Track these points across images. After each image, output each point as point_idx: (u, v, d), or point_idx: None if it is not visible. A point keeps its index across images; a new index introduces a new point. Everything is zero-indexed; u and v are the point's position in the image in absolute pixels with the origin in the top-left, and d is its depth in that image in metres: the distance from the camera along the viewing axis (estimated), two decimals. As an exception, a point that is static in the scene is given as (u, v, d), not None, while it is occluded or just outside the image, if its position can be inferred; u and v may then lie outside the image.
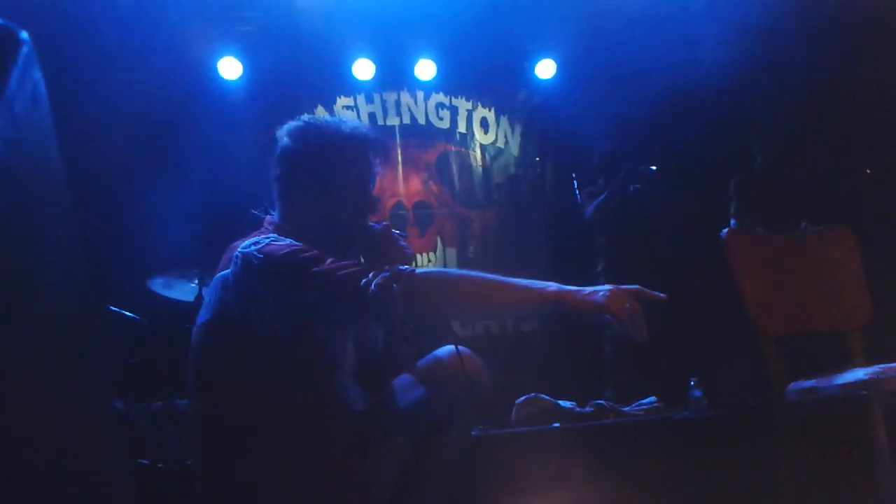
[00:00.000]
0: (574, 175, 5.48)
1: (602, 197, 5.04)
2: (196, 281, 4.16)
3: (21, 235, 0.78)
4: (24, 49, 0.80)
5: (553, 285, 1.85)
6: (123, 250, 4.52)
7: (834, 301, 2.88)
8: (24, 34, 0.82)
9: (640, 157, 5.16)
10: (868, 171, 5.20)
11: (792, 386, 2.71)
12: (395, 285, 1.72)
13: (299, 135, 2.09)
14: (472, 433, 2.11)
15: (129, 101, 5.30)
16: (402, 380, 2.09)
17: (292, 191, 2.06)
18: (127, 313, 4.01)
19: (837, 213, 3.87)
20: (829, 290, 2.91)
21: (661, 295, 1.82)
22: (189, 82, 5.63)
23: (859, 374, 2.39)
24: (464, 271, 1.91)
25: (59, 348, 0.83)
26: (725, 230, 2.93)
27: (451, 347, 2.04)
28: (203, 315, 1.90)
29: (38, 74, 0.83)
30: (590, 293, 1.81)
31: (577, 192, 5.40)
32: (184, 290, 4.27)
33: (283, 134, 2.11)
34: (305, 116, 2.17)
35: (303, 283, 1.76)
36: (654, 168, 5.04)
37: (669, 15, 5.18)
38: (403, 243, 2.12)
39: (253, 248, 1.83)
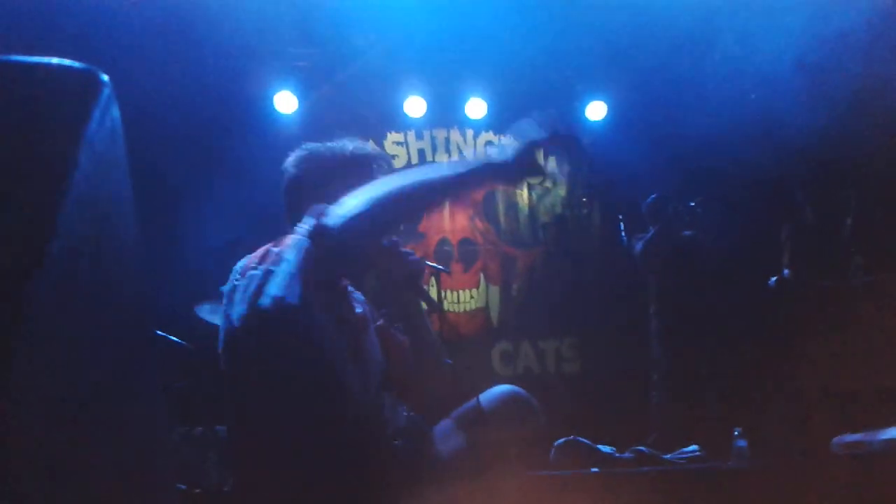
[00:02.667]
0: (621, 217, 5.47)
1: (650, 234, 5.01)
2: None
3: (95, 260, 0.83)
4: (105, 91, 0.86)
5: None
6: (174, 276, 4.63)
7: (882, 354, 2.83)
8: (105, 76, 0.88)
9: (687, 199, 5.14)
10: None
11: (837, 440, 2.65)
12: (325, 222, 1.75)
13: (301, 162, 2.09)
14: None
15: (187, 132, 5.48)
16: (446, 425, 2.03)
17: (299, 216, 1.97)
18: (173, 338, 4.09)
19: (889, 263, 3.80)
20: (878, 343, 2.86)
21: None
22: (246, 115, 5.80)
23: None
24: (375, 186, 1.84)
25: (127, 369, 0.87)
26: (774, 279, 2.91)
27: (507, 387, 2.01)
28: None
29: (116, 113, 0.89)
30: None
31: (624, 234, 5.38)
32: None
33: (287, 165, 2.11)
34: (309, 144, 2.14)
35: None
36: (693, 203, 5.02)
37: (724, 58, 5.19)
38: (414, 257, 2.08)
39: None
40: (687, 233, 5.00)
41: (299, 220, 1.88)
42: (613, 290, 5.65)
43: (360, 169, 2.06)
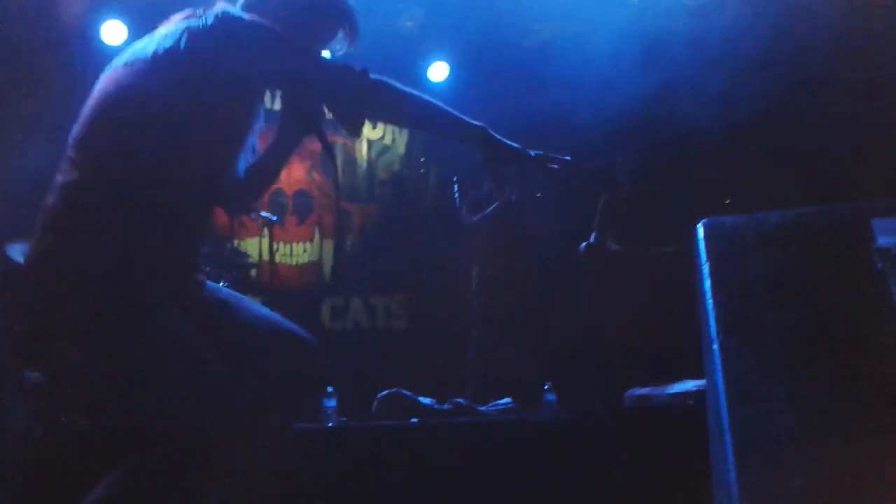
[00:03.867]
0: (455, 179, 5.60)
1: (489, 210, 5.18)
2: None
3: None
4: None
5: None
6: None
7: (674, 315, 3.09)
8: None
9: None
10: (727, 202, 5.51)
11: (629, 393, 2.89)
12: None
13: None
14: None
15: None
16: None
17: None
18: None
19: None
20: (669, 305, 3.13)
21: (566, 158, 2.03)
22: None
23: (689, 384, 2.59)
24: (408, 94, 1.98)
25: None
26: (583, 245, 3.10)
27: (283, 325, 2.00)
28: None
29: None
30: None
31: (457, 195, 5.52)
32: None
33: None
34: None
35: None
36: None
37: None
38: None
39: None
40: (514, 197, 5.20)
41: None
42: (444, 249, 5.78)
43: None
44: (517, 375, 4.44)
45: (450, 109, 1.99)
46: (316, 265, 6.23)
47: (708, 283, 1.56)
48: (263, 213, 5.17)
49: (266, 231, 5.84)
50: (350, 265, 6.30)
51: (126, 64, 1.82)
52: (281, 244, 6.00)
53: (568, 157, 2.04)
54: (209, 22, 1.81)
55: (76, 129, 1.82)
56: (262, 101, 2.01)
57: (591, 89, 5.06)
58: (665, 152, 5.26)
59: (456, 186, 5.53)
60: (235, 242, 5.39)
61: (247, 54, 1.82)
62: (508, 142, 2.00)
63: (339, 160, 6.33)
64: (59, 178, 1.76)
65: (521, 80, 5.78)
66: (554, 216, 5.16)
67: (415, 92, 1.97)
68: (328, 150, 2.11)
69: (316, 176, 6.26)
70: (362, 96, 1.91)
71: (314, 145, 6.34)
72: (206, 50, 1.79)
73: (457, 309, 5.46)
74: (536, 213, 5.17)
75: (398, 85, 1.95)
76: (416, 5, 5.68)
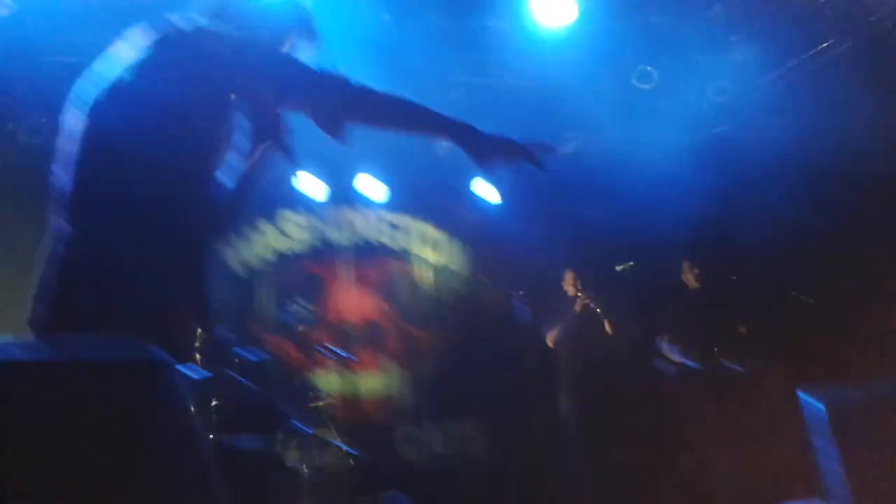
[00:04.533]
0: (521, 293, 5.58)
1: (569, 317, 5.15)
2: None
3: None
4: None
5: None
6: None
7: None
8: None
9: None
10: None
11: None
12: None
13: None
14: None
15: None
16: None
17: None
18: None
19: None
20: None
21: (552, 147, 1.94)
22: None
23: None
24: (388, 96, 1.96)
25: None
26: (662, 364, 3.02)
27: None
28: None
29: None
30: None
31: (520, 306, 5.48)
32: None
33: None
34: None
35: None
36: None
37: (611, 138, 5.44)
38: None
39: None
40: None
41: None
42: (518, 369, 5.70)
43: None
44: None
45: (428, 108, 1.96)
46: (388, 393, 6.18)
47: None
48: (336, 349, 5.22)
49: (337, 364, 5.85)
50: (421, 391, 6.23)
51: (105, 97, 1.81)
52: (353, 375, 5.99)
53: (554, 146, 1.97)
54: (177, 38, 1.84)
55: (66, 180, 1.80)
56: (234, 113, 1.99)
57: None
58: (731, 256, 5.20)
59: (522, 301, 5.49)
60: (309, 379, 5.41)
61: (223, 66, 1.84)
62: (492, 134, 1.95)
63: (404, 287, 6.38)
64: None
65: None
66: (626, 329, 5.09)
67: (392, 94, 1.96)
68: (285, 151, 2.08)
69: (383, 305, 6.30)
70: (345, 102, 1.91)
71: (378, 274, 6.41)
72: (183, 65, 1.81)
73: (537, 429, 5.31)
74: (611, 324, 5.11)
75: (376, 89, 1.94)
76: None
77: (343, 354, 5.21)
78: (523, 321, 5.50)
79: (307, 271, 6.29)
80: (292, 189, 6.05)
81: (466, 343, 6.25)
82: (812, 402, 1.65)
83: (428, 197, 6.37)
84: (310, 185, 6.06)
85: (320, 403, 5.49)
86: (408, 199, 6.39)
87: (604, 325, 5.11)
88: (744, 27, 4.67)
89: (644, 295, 5.26)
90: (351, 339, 6.10)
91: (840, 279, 4.80)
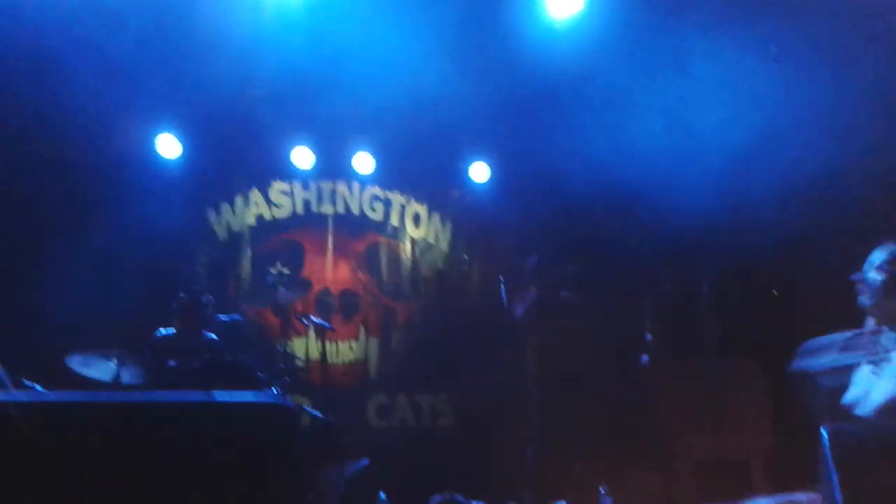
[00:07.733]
0: (502, 278, 5.63)
1: (531, 297, 5.18)
2: (115, 361, 4.10)
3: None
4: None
5: None
6: (44, 325, 4.42)
7: (737, 429, 3.05)
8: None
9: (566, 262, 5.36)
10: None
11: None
12: None
13: None
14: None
15: (60, 170, 5.25)
16: None
17: None
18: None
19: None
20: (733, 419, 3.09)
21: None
22: (125, 157, 5.62)
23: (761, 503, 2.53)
24: None
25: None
26: (646, 357, 3.09)
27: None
28: None
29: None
30: None
31: (504, 293, 5.53)
32: (102, 370, 4.19)
33: None
34: None
35: None
36: (569, 266, 5.25)
37: (604, 129, 5.47)
38: None
39: None
40: (565, 294, 5.21)
41: None
42: (490, 345, 5.76)
43: None
44: (573, 477, 4.36)
45: None
46: (362, 363, 6.25)
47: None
48: (315, 319, 5.27)
49: (313, 331, 5.91)
50: (395, 363, 6.30)
51: None
52: (328, 343, 6.04)
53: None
54: None
55: None
56: None
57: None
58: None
59: (503, 286, 5.55)
60: (285, 344, 5.46)
61: None
62: None
63: (384, 259, 6.43)
64: None
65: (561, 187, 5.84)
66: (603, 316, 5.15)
67: None
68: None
69: (361, 275, 6.35)
70: None
71: (359, 246, 6.49)
72: None
73: (506, 406, 5.40)
74: (585, 309, 5.16)
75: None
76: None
77: (320, 322, 5.27)
78: (500, 300, 5.55)
79: (289, 239, 6.34)
80: (280, 158, 6.09)
81: (443, 318, 6.32)
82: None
83: (414, 172, 6.41)
84: (297, 155, 6.10)
85: (295, 367, 5.57)
86: (394, 174, 6.43)
87: (570, 312, 5.17)
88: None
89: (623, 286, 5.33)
90: (329, 308, 6.16)
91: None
